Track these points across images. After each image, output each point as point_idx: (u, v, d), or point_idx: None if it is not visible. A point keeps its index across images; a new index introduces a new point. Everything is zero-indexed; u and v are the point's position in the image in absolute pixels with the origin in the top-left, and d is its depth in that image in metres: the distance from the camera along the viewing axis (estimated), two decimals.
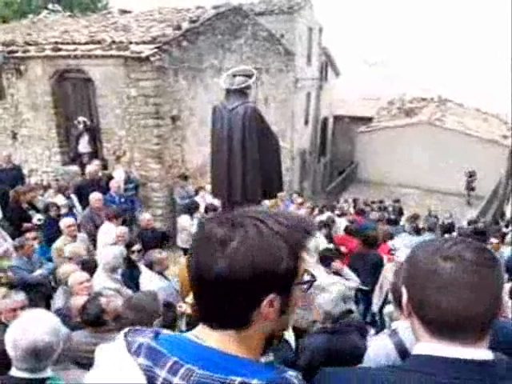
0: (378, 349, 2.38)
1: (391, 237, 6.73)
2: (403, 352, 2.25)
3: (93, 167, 7.75)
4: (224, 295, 0.85)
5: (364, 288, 5.15)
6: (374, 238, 5.78)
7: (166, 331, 0.96)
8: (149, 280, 4.17)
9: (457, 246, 0.96)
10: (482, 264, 0.93)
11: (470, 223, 10.52)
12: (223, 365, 0.84)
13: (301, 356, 3.02)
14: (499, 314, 1.01)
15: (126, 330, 0.93)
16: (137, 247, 5.08)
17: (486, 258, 0.95)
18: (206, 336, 0.89)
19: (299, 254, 0.89)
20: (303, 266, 0.92)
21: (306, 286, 0.95)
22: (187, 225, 6.77)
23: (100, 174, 8.09)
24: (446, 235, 7.28)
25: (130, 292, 4.26)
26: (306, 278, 0.94)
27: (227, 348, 0.87)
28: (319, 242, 5.05)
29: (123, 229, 5.64)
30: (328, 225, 6.34)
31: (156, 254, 4.29)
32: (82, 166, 8.64)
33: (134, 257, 5.05)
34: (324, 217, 8.02)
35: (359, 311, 5.31)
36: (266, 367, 0.89)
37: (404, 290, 1.03)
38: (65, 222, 5.38)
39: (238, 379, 0.81)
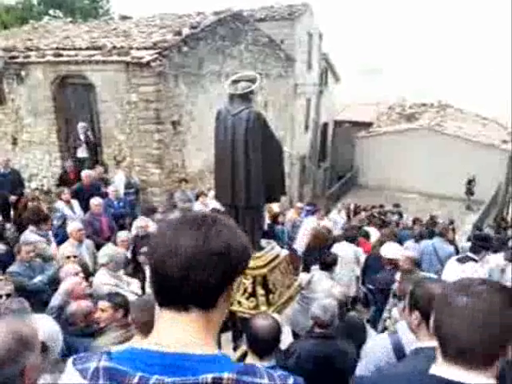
0: (375, 347, 2.42)
1: (399, 240, 6.75)
2: (400, 352, 2.27)
3: (87, 172, 7.77)
4: (215, 272, 0.88)
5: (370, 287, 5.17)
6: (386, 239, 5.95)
7: (116, 348, 0.94)
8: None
9: (482, 286, 1.13)
10: (496, 304, 1.08)
11: (477, 228, 10.52)
12: (190, 366, 0.84)
13: (288, 361, 3.03)
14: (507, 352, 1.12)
15: (72, 358, 0.92)
16: (144, 249, 5.07)
17: (504, 301, 1.09)
18: (163, 339, 0.89)
19: None
20: None
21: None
22: None
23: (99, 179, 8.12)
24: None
25: (132, 288, 4.29)
26: None
27: (190, 339, 0.88)
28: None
29: (125, 234, 5.64)
30: (353, 240, 6.48)
31: None
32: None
33: (140, 259, 5.06)
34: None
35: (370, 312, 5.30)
36: (229, 360, 0.91)
37: (432, 314, 1.23)
38: (73, 227, 5.36)
39: (210, 376, 0.82)
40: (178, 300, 0.90)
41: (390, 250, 4.88)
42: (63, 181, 8.34)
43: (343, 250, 5.89)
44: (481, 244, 4.99)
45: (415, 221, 10.83)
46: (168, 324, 0.90)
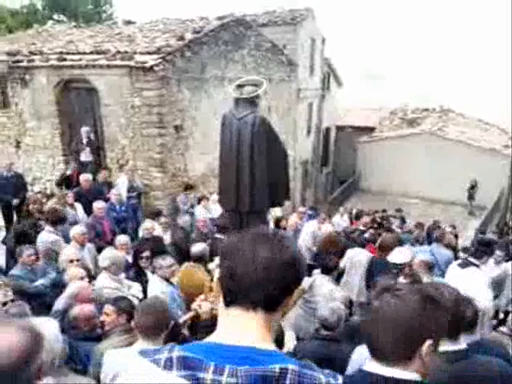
0: (362, 354, 2.43)
1: (401, 243, 6.74)
2: None
3: (86, 176, 7.85)
4: (284, 280, 1.03)
5: None
6: (389, 243, 5.91)
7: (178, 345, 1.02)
8: (153, 285, 4.19)
9: (399, 292, 1.24)
10: (405, 309, 1.19)
11: (481, 232, 10.49)
12: (258, 359, 0.95)
13: None
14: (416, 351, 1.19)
15: (138, 353, 1.00)
16: (146, 254, 5.09)
17: (417, 305, 1.19)
18: (232, 334, 1.00)
19: None
20: None
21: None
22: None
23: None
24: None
25: (133, 292, 4.29)
26: None
27: (256, 335, 1.00)
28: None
29: (124, 238, 5.64)
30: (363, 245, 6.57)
31: (159, 261, 4.32)
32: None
33: (142, 263, 5.06)
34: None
35: None
36: (288, 356, 1.02)
37: None
38: (76, 230, 5.35)
39: (277, 366, 0.94)
40: (248, 301, 1.01)
41: (396, 256, 4.86)
42: (64, 180, 8.38)
43: (357, 255, 5.91)
44: (483, 249, 4.96)
45: (417, 225, 10.80)
46: (235, 321, 1.02)
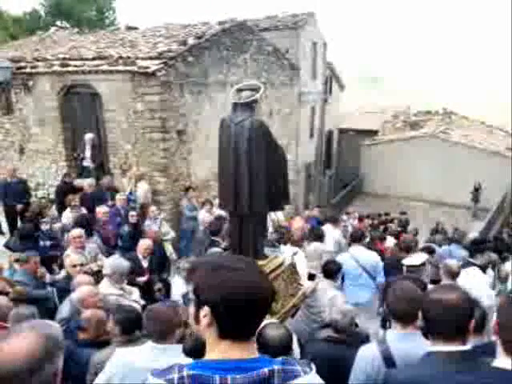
0: (364, 354, 2.45)
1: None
2: (388, 360, 2.31)
3: (89, 181, 7.96)
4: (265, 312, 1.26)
5: None
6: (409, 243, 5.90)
7: (184, 361, 1.25)
8: (176, 286, 4.21)
9: None
10: None
11: (496, 238, 10.54)
12: (250, 366, 1.16)
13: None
14: None
15: (150, 375, 1.18)
16: (158, 286, 5.10)
17: None
18: (226, 354, 1.18)
19: None
20: None
21: None
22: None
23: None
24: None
25: (134, 298, 4.30)
26: None
27: (248, 353, 1.20)
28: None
29: (148, 242, 5.64)
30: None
31: (183, 262, 4.37)
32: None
33: (157, 296, 5.06)
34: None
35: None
36: (271, 359, 1.25)
37: (495, 316, 1.39)
38: (72, 234, 5.38)
39: (266, 369, 1.16)
40: (244, 334, 1.21)
41: (411, 258, 4.83)
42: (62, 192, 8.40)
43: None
44: (476, 248, 5.00)
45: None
46: (229, 348, 1.19)
